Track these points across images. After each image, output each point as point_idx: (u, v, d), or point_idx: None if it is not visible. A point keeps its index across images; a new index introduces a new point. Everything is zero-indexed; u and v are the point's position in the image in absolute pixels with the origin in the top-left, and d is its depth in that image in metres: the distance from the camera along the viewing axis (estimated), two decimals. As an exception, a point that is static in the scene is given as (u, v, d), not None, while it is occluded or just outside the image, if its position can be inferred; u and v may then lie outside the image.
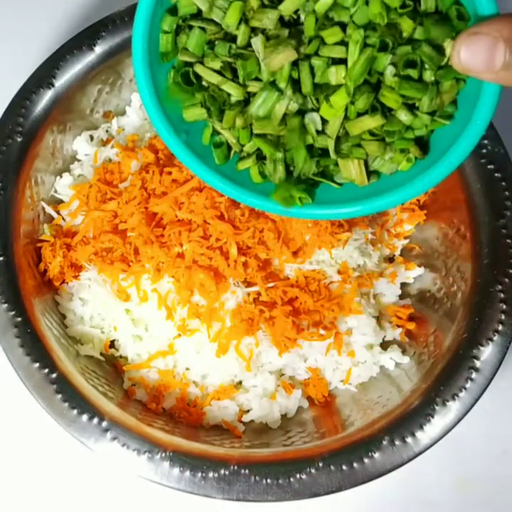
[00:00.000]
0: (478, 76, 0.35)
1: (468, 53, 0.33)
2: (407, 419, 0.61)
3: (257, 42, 0.44)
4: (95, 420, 0.61)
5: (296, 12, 0.44)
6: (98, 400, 0.62)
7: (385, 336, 0.71)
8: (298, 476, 0.59)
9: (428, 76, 0.42)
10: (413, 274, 0.75)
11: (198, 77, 0.48)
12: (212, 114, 0.48)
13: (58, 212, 0.73)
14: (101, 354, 0.70)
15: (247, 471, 0.59)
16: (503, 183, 0.67)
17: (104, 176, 0.72)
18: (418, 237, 0.77)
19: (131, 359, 0.70)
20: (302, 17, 0.44)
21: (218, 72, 0.46)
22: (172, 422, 0.67)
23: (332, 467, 0.60)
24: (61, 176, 0.75)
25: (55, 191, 0.74)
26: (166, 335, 0.68)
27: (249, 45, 0.45)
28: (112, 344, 0.72)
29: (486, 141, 0.69)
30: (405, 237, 0.77)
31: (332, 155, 0.47)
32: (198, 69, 0.47)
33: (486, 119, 0.42)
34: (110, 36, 0.72)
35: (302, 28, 0.44)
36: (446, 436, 0.61)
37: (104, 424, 0.61)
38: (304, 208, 0.49)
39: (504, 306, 0.64)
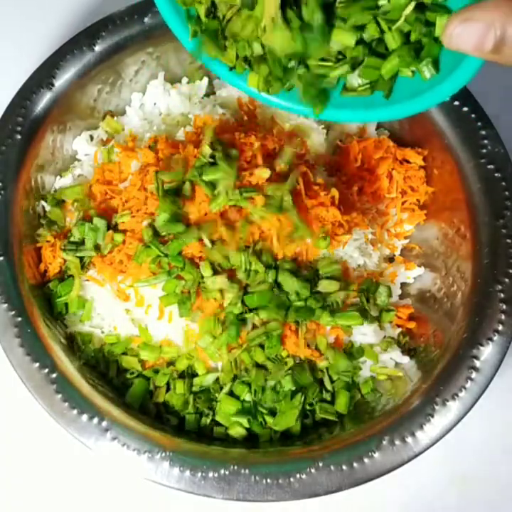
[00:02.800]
0: (466, 53, 0.36)
1: (459, 38, 0.34)
2: (407, 419, 0.61)
3: None
4: (95, 420, 0.61)
5: None
6: (98, 400, 0.62)
7: (384, 336, 0.71)
8: (298, 476, 0.59)
9: None
10: (413, 274, 0.75)
11: None
12: None
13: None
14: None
15: (247, 471, 0.59)
16: (503, 183, 0.67)
17: (103, 176, 0.72)
18: (418, 237, 0.77)
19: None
20: None
21: None
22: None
23: (332, 467, 0.60)
24: (61, 176, 0.75)
25: (55, 191, 0.74)
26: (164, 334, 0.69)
27: None
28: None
29: (486, 141, 0.69)
30: (405, 237, 0.77)
31: None
32: None
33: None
34: (110, 36, 0.72)
35: None
36: (446, 436, 0.61)
37: (104, 424, 0.61)
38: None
39: (504, 306, 0.64)
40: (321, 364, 0.68)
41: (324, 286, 0.66)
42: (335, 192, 0.67)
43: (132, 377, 0.68)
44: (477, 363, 0.62)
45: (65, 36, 0.73)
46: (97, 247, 0.68)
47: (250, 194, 0.63)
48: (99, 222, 0.68)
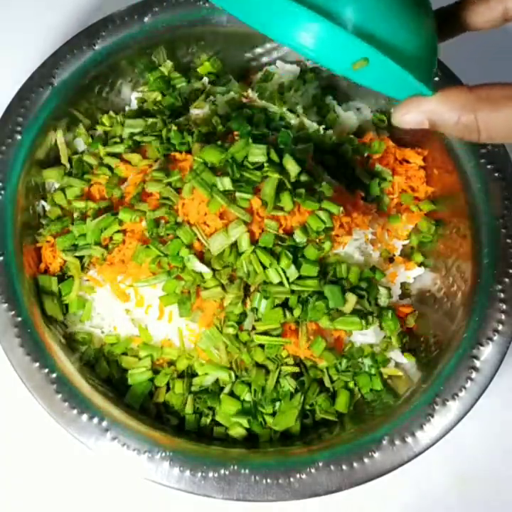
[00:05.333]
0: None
1: (403, 120, 0.47)
2: (407, 419, 0.61)
3: None
4: (95, 420, 0.61)
5: None
6: (98, 400, 0.62)
7: (384, 336, 0.71)
8: (298, 476, 0.59)
9: None
10: (413, 274, 0.75)
11: None
12: None
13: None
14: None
15: (247, 471, 0.59)
16: (503, 183, 0.67)
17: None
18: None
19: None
20: None
21: None
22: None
23: (332, 467, 0.60)
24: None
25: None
26: (164, 335, 0.68)
27: None
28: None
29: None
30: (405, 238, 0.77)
31: None
32: None
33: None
34: (110, 36, 0.72)
35: None
36: (446, 436, 0.61)
37: (104, 424, 0.61)
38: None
39: (504, 306, 0.64)
40: (321, 364, 0.68)
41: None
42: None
43: (132, 377, 0.68)
44: (477, 363, 0.62)
45: (65, 36, 0.73)
46: (97, 245, 0.69)
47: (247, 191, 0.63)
48: (99, 222, 0.68)
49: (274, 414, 0.66)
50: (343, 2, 0.42)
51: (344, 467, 0.60)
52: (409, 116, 0.46)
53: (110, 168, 0.73)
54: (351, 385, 0.69)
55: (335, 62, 0.45)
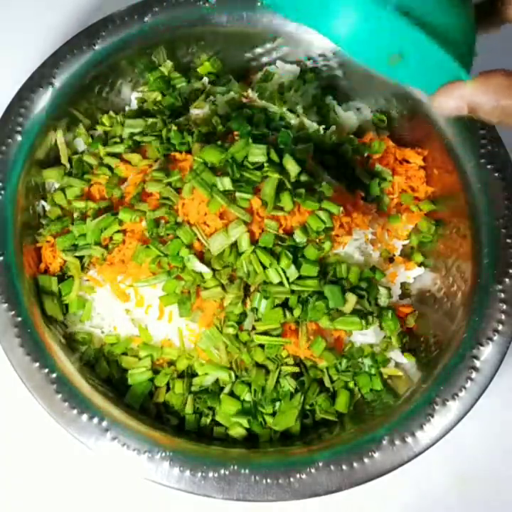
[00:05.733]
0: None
1: (443, 106, 0.47)
2: (407, 419, 0.61)
3: None
4: (95, 420, 0.61)
5: None
6: (98, 400, 0.62)
7: (384, 336, 0.71)
8: (298, 476, 0.59)
9: None
10: (413, 274, 0.75)
11: None
12: None
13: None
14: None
15: (247, 471, 0.59)
16: (503, 183, 0.67)
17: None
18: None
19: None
20: None
21: None
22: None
23: (332, 467, 0.60)
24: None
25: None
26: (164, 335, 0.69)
27: None
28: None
29: (485, 141, 0.69)
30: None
31: None
32: None
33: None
34: (110, 36, 0.72)
35: None
36: (446, 436, 0.61)
37: (104, 424, 0.61)
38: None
39: (504, 306, 0.64)
40: (321, 364, 0.68)
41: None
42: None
43: (132, 377, 0.68)
44: (477, 363, 0.62)
45: (65, 36, 0.73)
46: (97, 245, 0.69)
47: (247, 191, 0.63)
48: (99, 222, 0.68)
49: (274, 414, 0.66)
50: None
51: (344, 467, 0.60)
52: (449, 102, 0.46)
53: (110, 168, 0.73)
54: (351, 385, 0.69)
55: (371, 57, 0.45)
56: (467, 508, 0.74)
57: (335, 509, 0.72)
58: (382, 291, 0.70)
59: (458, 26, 0.45)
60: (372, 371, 0.69)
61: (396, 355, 0.70)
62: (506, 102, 0.44)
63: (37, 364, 0.62)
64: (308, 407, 0.67)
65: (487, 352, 0.63)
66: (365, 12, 0.43)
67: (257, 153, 0.65)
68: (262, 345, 0.66)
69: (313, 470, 0.59)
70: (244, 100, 0.77)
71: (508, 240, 0.66)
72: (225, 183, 0.63)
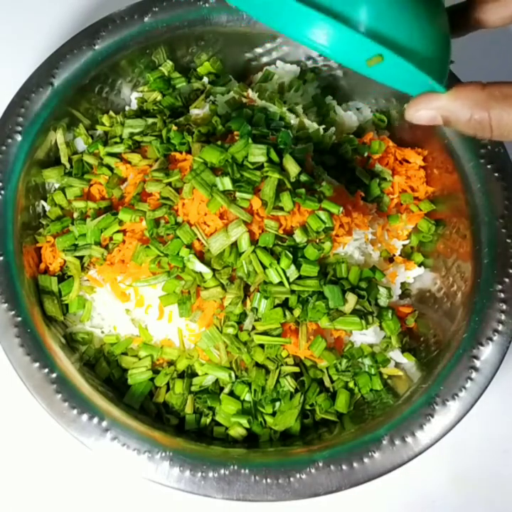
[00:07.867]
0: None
1: (416, 116, 0.47)
2: (407, 419, 0.61)
3: None
4: (95, 420, 0.61)
5: None
6: (98, 400, 0.62)
7: (384, 336, 0.71)
8: (298, 476, 0.59)
9: None
10: (413, 274, 0.75)
11: None
12: None
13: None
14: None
15: (247, 471, 0.59)
16: (503, 183, 0.67)
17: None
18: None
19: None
20: None
21: None
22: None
23: (332, 467, 0.60)
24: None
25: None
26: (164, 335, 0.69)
27: None
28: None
29: (486, 141, 0.69)
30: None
31: None
32: None
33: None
34: (110, 36, 0.72)
35: None
36: (446, 436, 0.61)
37: (104, 424, 0.61)
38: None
39: (504, 306, 0.64)
40: (321, 364, 0.68)
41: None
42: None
43: (132, 377, 0.68)
44: (477, 363, 0.62)
45: (65, 36, 0.74)
46: (97, 245, 0.69)
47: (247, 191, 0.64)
48: (99, 222, 0.68)
49: (274, 414, 0.66)
50: (355, 4, 0.42)
51: (344, 467, 0.60)
52: (422, 113, 0.46)
53: (110, 168, 0.73)
54: (351, 385, 0.69)
55: (350, 59, 0.45)
56: (467, 508, 0.74)
57: (335, 509, 0.72)
58: (382, 291, 0.70)
59: (431, 40, 0.45)
60: (372, 371, 0.69)
61: (396, 355, 0.70)
62: (480, 115, 0.43)
63: (37, 364, 0.62)
64: (308, 407, 0.67)
65: (487, 352, 0.63)
66: (338, 30, 0.44)
67: (257, 153, 0.65)
68: (262, 345, 0.66)
69: (313, 470, 0.59)
70: (244, 100, 0.77)
71: (508, 240, 0.66)
72: (225, 183, 0.63)
